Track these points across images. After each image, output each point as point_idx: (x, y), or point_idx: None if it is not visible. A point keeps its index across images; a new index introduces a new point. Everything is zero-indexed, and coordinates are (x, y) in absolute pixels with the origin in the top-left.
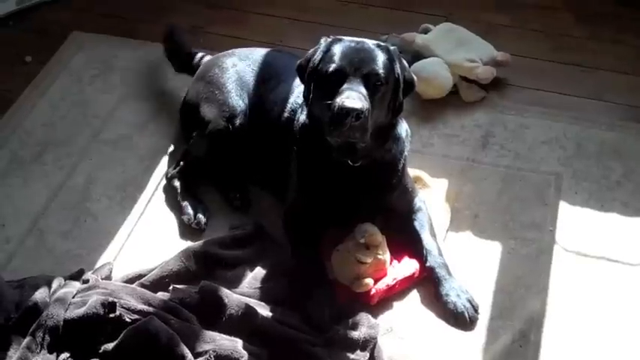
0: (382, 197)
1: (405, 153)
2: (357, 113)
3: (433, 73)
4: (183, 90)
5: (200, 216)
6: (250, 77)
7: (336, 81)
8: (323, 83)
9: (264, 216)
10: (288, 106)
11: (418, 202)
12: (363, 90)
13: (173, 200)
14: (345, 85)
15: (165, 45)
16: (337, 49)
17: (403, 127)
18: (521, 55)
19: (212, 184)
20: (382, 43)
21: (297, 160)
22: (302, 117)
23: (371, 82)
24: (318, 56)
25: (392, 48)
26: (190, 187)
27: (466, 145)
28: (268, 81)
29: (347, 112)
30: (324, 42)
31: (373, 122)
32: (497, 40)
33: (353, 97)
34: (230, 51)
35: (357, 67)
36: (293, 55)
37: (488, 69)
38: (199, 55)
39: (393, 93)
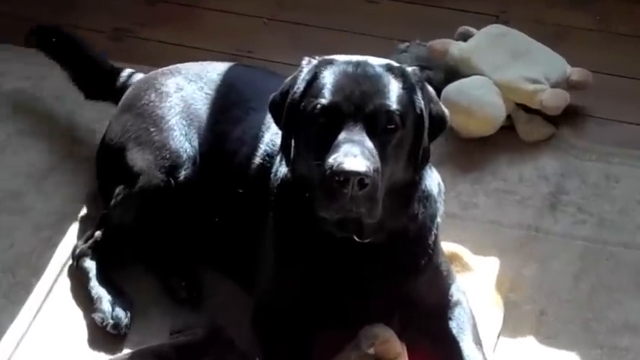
0: (403, 286)
1: (438, 219)
2: (360, 179)
3: (476, 100)
4: (103, 125)
5: (119, 314)
6: (203, 106)
7: (327, 126)
8: (309, 129)
9: (222, 313)
10: (261, 147)
11: (456, 292)
12: (369, 142)
13: (83, 290)
14: (341, 136)
15: (51, 56)
16: (327, 77)
17: (434, 181)
18: (607, 72)
19: (144, 266)
20: (395, 64)
21: (275, 230)
22: (282, 168)
23: (380, 127)
24: (299, 87)
25: (410, 70)
26: (108, 270)
27: (526, 207)
28: (230, 110)
29: (346, 178)
30: (306, 66)
31: (386, 184)
32: (571, 50)
33: (354, 153)
34: (173, 67)
35: (357, 104)
36: (268, 72)
37: (559, 93)
38: (126, 73)
39: (414, 137)
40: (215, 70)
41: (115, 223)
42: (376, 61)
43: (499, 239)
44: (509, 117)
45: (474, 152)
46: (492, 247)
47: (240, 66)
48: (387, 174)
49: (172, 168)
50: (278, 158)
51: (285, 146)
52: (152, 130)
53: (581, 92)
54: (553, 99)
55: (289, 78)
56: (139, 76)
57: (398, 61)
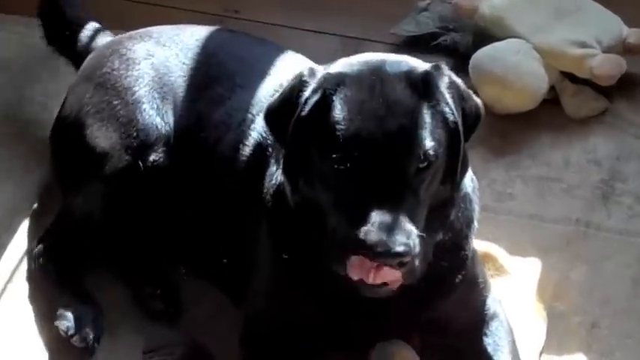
0: (431, 307)
1: (475, 223)
2: (399, 261)
3: (513, 69)
4: (59, 100)
5: (87, 324)
6: (179, 78)
7: (349, 180)
8: (324, 172)
9: (205, 328)
10: (252, 136)
11: (492, 303)
12: (403, 202)
13: (42, 296)
14: (369, 201)
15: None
16: (340, 112)
17: (467, 175)
18: None
19: (111, 271)
20: (416, 70)
21: (270, 238)
22: (279, 173)
23: (411, 173)
24: (305, 108)
25: (434, 72)
26: (72, 274)
27: (574, 197)
28: (212, 87)
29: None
30: (310, 79)
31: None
32: (628, 7)
33: (389, 226)
34: (143, 30)
35: (385, 158)
36: (256, 38)
37: (613, 60)
38: (89, 29)
39: (450, 156)
40: (193, 35)
41: (79, 217)
42: (393, 69)
43: (541, 237)
44: (552, 88)
45: (510, 131)
46: (532, 247)
47: (223, 31)
48: (424, 210)
49: (141, 148)
50: (272, 154)
51: (289, 169)
52: (115, 103)
53: None
54: (606, 66)
55: (287, 87)
56: (105, 38)
57: (417, 23)
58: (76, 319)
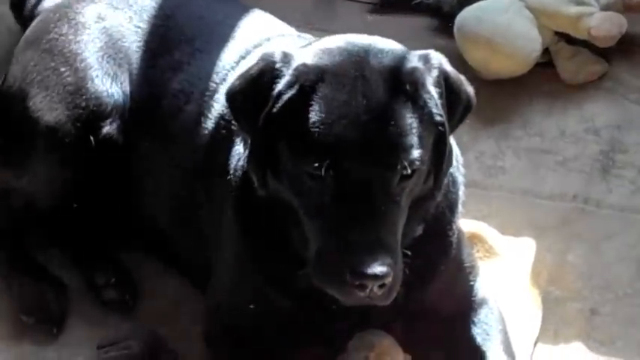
0: (413, 293)
1: (460, 207)
2: (380, 284)
3: (502, 30)
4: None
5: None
6: (132, 43)
7: (323, 181)
8: (294, 170)
9: (165, 320)
10: (215, 108)
11: (481, 289)
12: (384, 218)
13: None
14: (355, 230)
15: None
16: (318, 111)
17: (452, 151)
18: None
19: (60, 256)
20: (406, 67)
21: (236, 224)
22: (246, 154)
23: (395, 181)
24: (279, 102)
25: (417, 65)
26: (20, 254)
27: (570, 171)
28: (169, 52)
29: (362, 284)
30: (284, 68)
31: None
32: None
33: (370, 247)
34: None
35: (366, 163)
36: None
37: (612, 18)
38: None
39: (435, 157)
40: None
41: (23, 200)
42: (377, 62)
43: (535, 215)
44: (546, 51)
45: (500, 99)
46: (526, 226)
47: None
48: (405, 214)
49: (92, 120)
50: (240, 135)
51: (255, 161)
52: (63, 70)
53: None
54: (605, 26)
55: (255, 68)
56: (51, 1)
57: None
58: (38, 302)
